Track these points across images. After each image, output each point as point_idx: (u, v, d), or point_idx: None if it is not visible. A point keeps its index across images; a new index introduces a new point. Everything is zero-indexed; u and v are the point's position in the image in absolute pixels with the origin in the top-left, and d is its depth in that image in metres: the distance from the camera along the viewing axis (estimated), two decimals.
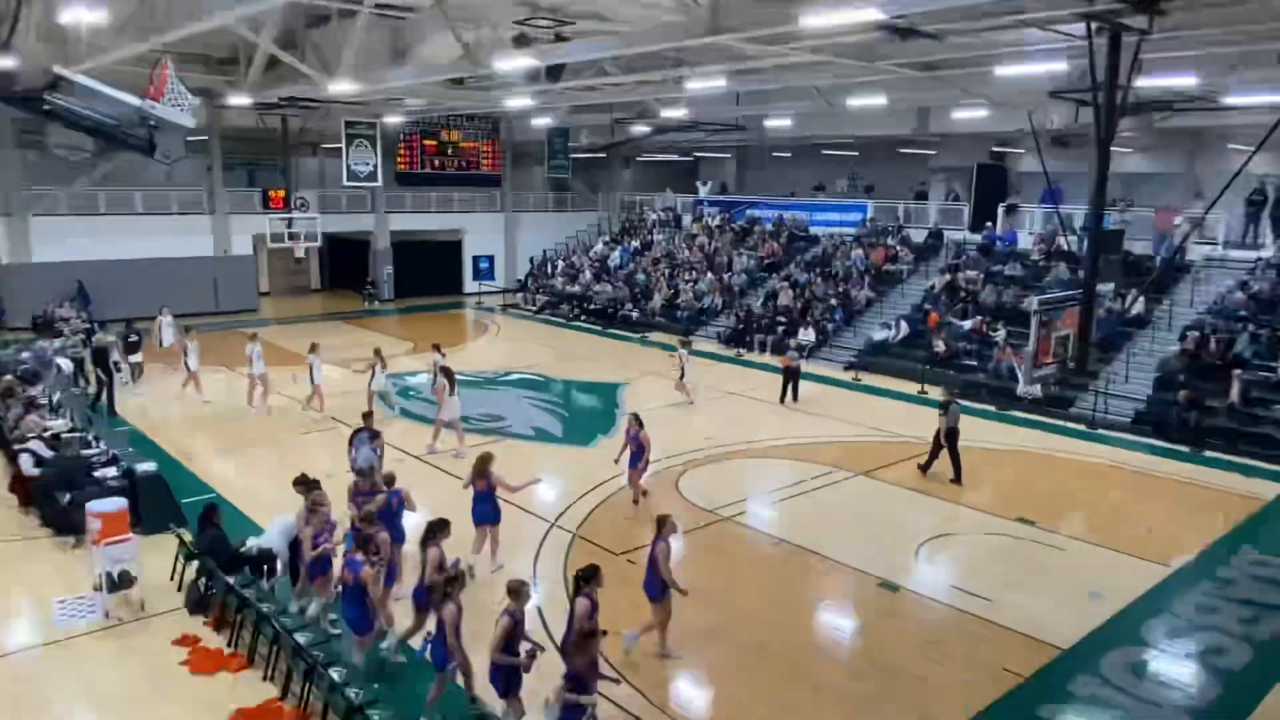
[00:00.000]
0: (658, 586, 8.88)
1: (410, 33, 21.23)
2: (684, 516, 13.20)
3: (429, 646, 7.80)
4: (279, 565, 10.49)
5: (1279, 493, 14.58)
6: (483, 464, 11.01)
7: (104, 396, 18.73)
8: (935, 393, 21.05)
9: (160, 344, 21.99)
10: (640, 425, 13.29)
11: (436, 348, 18.99)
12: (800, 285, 28.58)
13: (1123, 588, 10.98)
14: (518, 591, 7.35)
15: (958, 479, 14.76)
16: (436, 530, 8.80)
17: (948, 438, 14.81)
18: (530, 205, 40.46)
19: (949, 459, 14.84)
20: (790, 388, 20.07)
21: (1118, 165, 22.16)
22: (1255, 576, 11.42)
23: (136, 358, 20.92)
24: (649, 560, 8.93)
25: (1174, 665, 9.30)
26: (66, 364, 20.10)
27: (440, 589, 7.54)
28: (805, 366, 21.82)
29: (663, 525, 8.93)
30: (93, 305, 27.38)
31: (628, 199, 42.39)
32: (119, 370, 19.81)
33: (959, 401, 15.70)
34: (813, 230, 32.51)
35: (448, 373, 16.51)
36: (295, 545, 9.93)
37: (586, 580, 7.64)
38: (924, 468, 15.27)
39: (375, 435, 13.11)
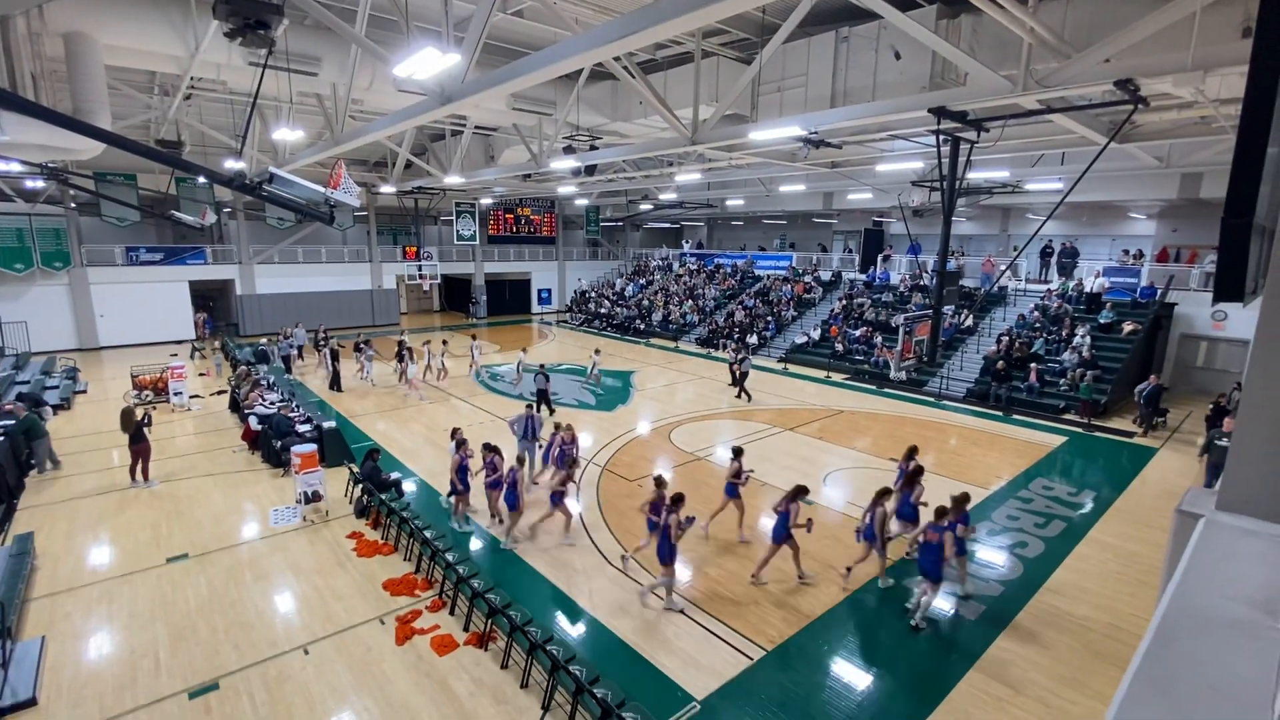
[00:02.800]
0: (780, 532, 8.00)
1: (497, 144, 21.31)
2: (674, 457, 13.25)
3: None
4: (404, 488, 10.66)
5: (1060, 442, 14.54)
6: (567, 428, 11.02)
7: (337, 380, 18.66)
8: (837, 377, 21.11)
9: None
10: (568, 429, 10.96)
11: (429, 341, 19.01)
12: (749, 307, 28.47)
13: None
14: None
15: (748, 400, 17.64)
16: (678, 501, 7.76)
17: (741, 377, 17.76)
18: (574, 256, 40.30)
19: (747, 394, 17.85)
20: (741, 387, 19.18)
21: (956, 229, 22.06)
22: (1044, 496, 11.40)
23: (410, 364, 18.85)
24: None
25: (993, 553, 9.30)
26: (279, 358, 20.25)
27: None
28: (750, 361, 21.64)
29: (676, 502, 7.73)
30: (210, 325, 26.46)
31: (637, 252, 42.25)
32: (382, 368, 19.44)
33: (749, 359, 18.73)
34: (758, 272, 32.40)
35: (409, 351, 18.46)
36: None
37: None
38: (740, 396, 17.79)
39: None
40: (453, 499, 9.93)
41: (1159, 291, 18.93)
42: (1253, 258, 2.57)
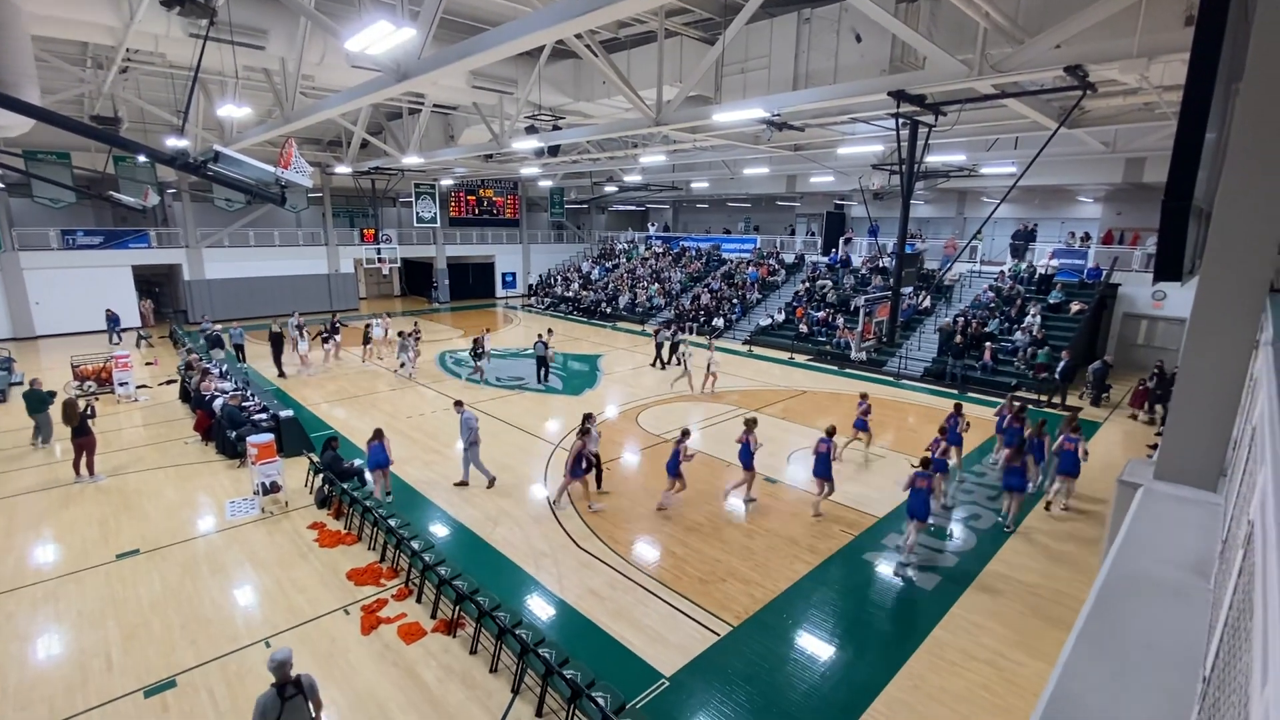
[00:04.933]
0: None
1: (457, 124, 20.80)
2: (641, 440, 13.31)
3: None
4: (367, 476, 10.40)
5: None
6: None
7: (279, 364, 18.22)
8: (800, 358, 21.44)
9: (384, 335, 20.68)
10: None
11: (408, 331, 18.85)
12: (715, 290, 28.63)
13: None
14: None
15: (679, 364, 18.20)
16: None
17: (672, 348, 19.13)
18: (538, 239, 39.80)
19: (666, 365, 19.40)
20: (660, 354, 19.96)
21: (914, 212, 22.46)
22: (997, 470, 11.82)
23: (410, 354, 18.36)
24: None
25: (947, 525, 9.63)
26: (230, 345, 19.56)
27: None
28: (716, 343, 21.90)
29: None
30: (116, 323, 23.35)
31: (602, 234, 41.97)
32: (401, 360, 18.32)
33: (682, 338, 19.34)
34: (723, 254, 32.53)
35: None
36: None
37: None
38: (663, 366, 19.39)
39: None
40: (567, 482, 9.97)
41: (1104, 272, 19.71)
42: (1190, 239, 2.68)
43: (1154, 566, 2.07)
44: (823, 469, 9.72)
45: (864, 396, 12.51)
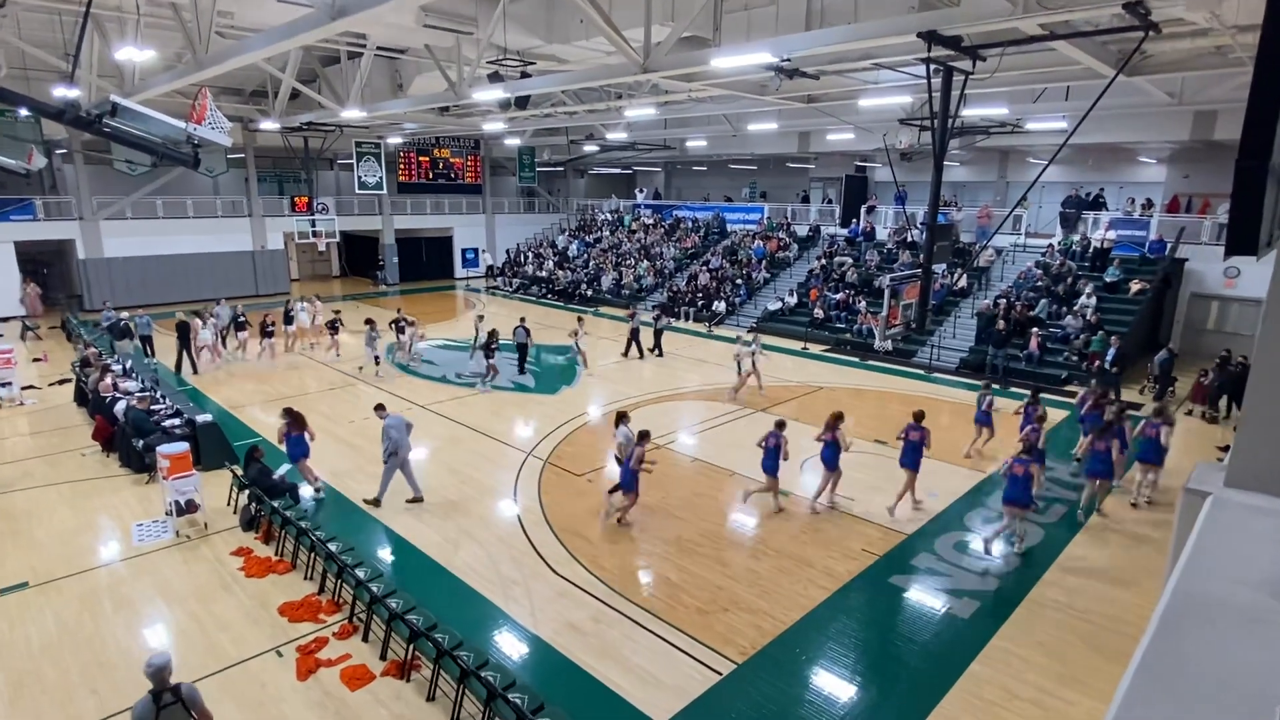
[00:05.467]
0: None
1: (406, 70, 20.63)
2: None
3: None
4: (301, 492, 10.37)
5: (1062, 417, 15.21)
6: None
7: (184, 361, 18.13)
8: (815, 348, 21.55)
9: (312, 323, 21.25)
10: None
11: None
12: (715, 269, 28.69)
13: (951, 489, 11.42)
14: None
15: (641, 355, 20.14)
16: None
17: (633, 333, 20.17)
18: (505, 209, 39.64)
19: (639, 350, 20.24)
20: (634, 344, 20.32)
21: (948, 175, 22.61)
22: (1045, 479, 11.95)
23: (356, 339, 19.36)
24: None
25: (987, 540, 9.73)
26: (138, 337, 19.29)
27: None
28: (715, 330, 22.01)
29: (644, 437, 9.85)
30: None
31: (582, 203, 41.90)
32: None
33: (640, 318, 20.89)
34: (725, 225, 32.52)
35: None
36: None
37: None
38: (625, 355, 20.23)
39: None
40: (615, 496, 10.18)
41: (1168, 246, 19.90)
42: (1269, 205, 2.70)
43: (1225, 588, 2.09)
44: (911, 460, 10.16)
45: (987, 385, 13.20)
